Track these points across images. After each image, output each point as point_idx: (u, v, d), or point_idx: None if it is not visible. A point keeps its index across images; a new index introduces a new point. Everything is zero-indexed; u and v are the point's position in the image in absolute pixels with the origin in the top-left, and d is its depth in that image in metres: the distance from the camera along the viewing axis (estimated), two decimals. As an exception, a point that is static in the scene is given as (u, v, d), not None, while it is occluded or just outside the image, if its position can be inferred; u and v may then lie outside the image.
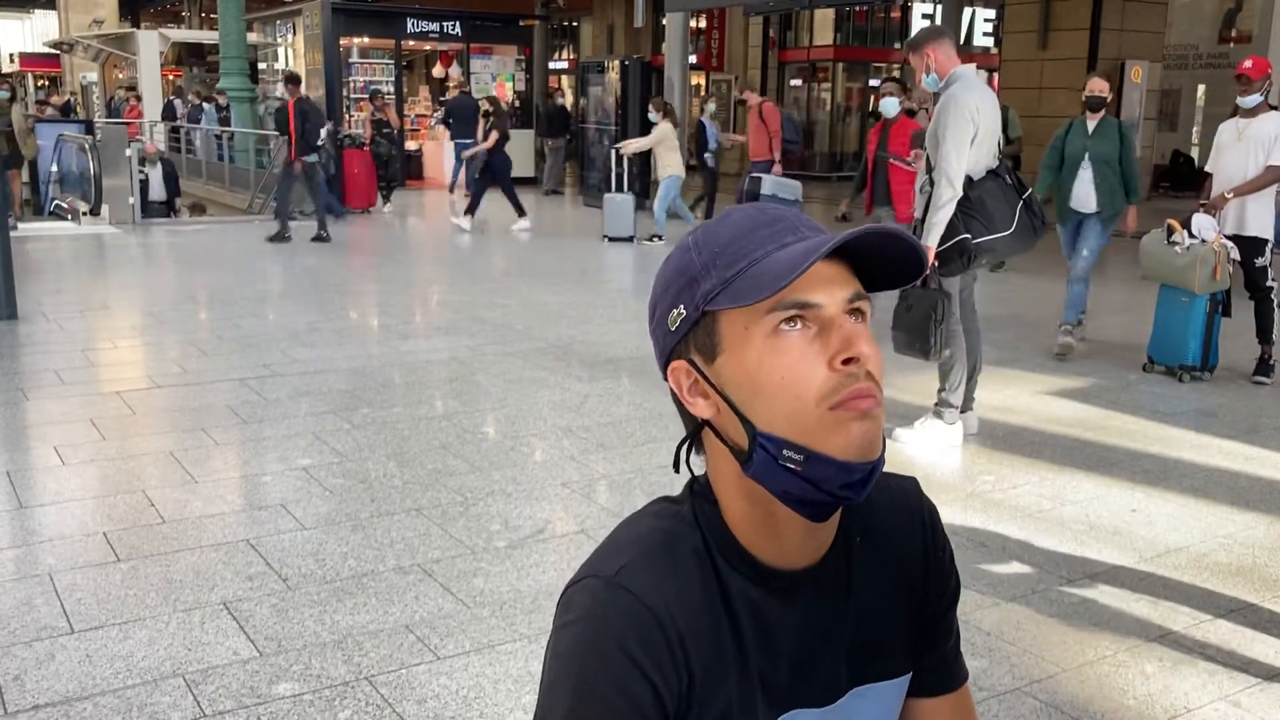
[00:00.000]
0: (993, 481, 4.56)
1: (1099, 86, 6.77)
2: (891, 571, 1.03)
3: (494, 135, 12.76)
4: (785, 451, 0.87)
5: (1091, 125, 6.80)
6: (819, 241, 0.87)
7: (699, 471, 1.00)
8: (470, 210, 12.97)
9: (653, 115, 12.75)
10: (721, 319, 0.90)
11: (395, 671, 2.94)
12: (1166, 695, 2.90)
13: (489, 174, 12.92)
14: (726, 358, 0.90)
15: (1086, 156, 6.76)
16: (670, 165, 12.19)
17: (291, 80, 12.60)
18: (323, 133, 12.15)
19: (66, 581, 3.46)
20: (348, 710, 2.76)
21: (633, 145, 13.06)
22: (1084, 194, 6.82)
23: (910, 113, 14.72)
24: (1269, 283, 6.26)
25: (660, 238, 12.29)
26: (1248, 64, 6.23)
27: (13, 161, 12.25)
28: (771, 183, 11.08)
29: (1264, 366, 6.29)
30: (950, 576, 1.08)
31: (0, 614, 3.23)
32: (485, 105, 13.66)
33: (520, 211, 13.06)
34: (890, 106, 7.45)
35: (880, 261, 0.91)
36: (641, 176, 14.45)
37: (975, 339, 5.16)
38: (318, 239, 11.77)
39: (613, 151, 13.45)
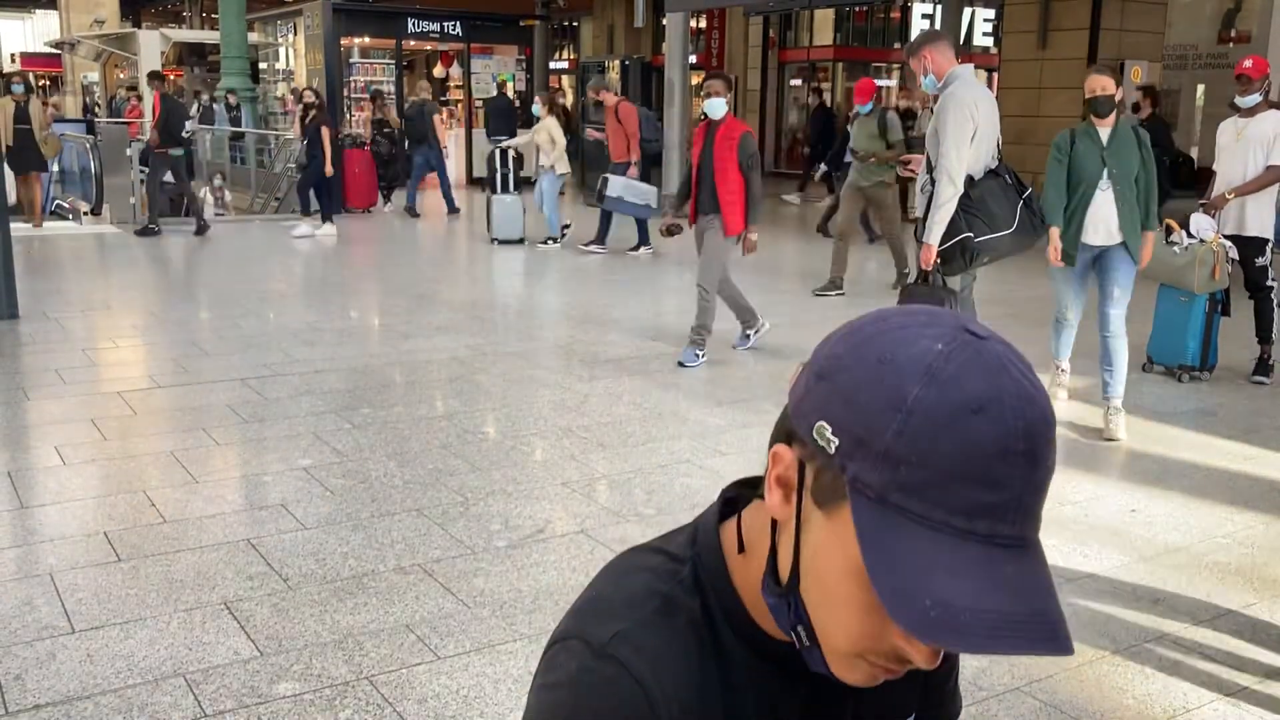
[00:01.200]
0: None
1: (1104, 85, 5.14)
2: None
3: (325, 132, 11.92)
4: (800, 628, 0.80)
5: (1105, 134, 5.20)
6: (976, 617, 0.68)
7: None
8: (325, 215, 12.23)
9: (536, 109, 11.82)
10: (849, 507, 0.73)
11: (395, 671, 2.94)
12: (1166, 695, 2.91)
13: (307, 171, 12.12)
14: (825, 525, 0.75)
15: (1105, 174, 5.20)
16: (555, 164, 11.35)
17: (155, 76, 13.00)
18: (188, 125, 12.28)
19: (67, 581, 3.47)
20: (348, 710, 2.76)
21: (515, 142, 12.37)
22: (1104, 222, 5.18)
23: (912, 113, 14.69)
24: (1269, 282, 6.26)
25: (556, 240, 11.62)
26: (1248, 64, 6.22)
27: (32, 163, 11.99)
28: (621, 185, 10.48)
29: (1263, 366, 6.29)
30: None
31: (1, 614, 3.24)
32: (308, 96, 12.56)
33: (325, 217, 12.21)
34: (716, 107, 6.33)
35: None
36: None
37: None
38: (144, 232, 11.85)
39: (496, 150, 12.57)
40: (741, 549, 0.87)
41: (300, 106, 12.71)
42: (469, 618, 3.26)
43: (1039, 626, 0.70)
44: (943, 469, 0.69)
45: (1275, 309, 6.28)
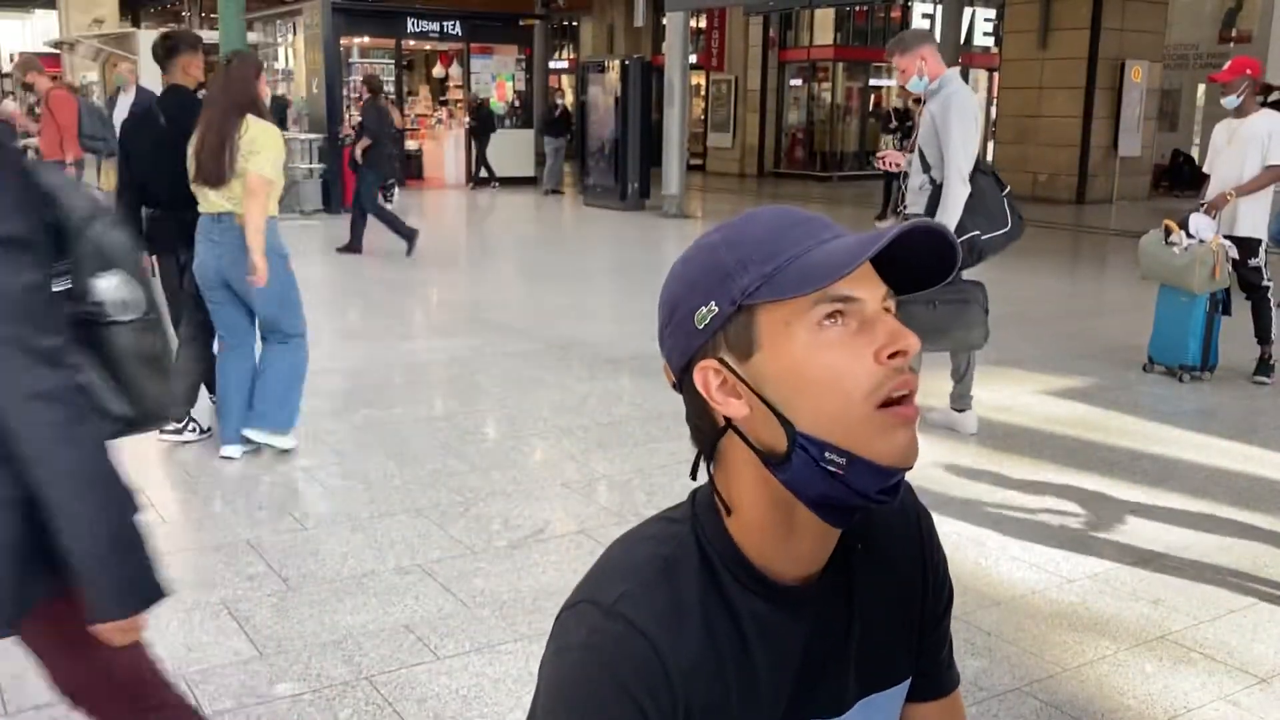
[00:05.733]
0: (993, 481, 4.56)
1: None
2: (891, 578, 1.02)
3: None
4: (827, 454, 0.86)
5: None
6: (867, 238, 0.85)
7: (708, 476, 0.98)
8: None
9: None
10: (760, 315, 0.88)
11: (395, 671, 2.94)
12: (1166, 695, 2.90)
13: None
14: (765, 355, 0.88)
15: None
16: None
17: None
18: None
19: (67, 581, 3.46)
20: (348, 710, 2.76)
21: (31, 141, 10.41)
22: None
23: (905, 114, 14.63)
24: (1265, 282, 6.26)
25: None
26: (1225, 66, 6.30)
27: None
28: None
29: (1264, 366, 6.29)
30: (945, 582, 1.08)
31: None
32: None
33: None
34: None
35: (906, 263, 0.89)
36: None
37: None
38: None
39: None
40: (729, 513, 0.93)
41: None
42: (469, 618, 3.25)
43: (885, 235, 0.84)
44: (772, 239, 0.89)
45: (1274, 308, 6.28)
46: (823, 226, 0.90)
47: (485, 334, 7.29)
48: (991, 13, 22.94)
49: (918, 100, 6.49)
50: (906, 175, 5.21)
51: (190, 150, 4.45)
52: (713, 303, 0.89)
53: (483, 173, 19.00)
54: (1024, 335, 7.41)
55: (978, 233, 4.83)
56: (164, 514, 4.03)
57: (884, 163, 5.71)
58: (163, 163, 4.67)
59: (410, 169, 18.99)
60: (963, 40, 20.54)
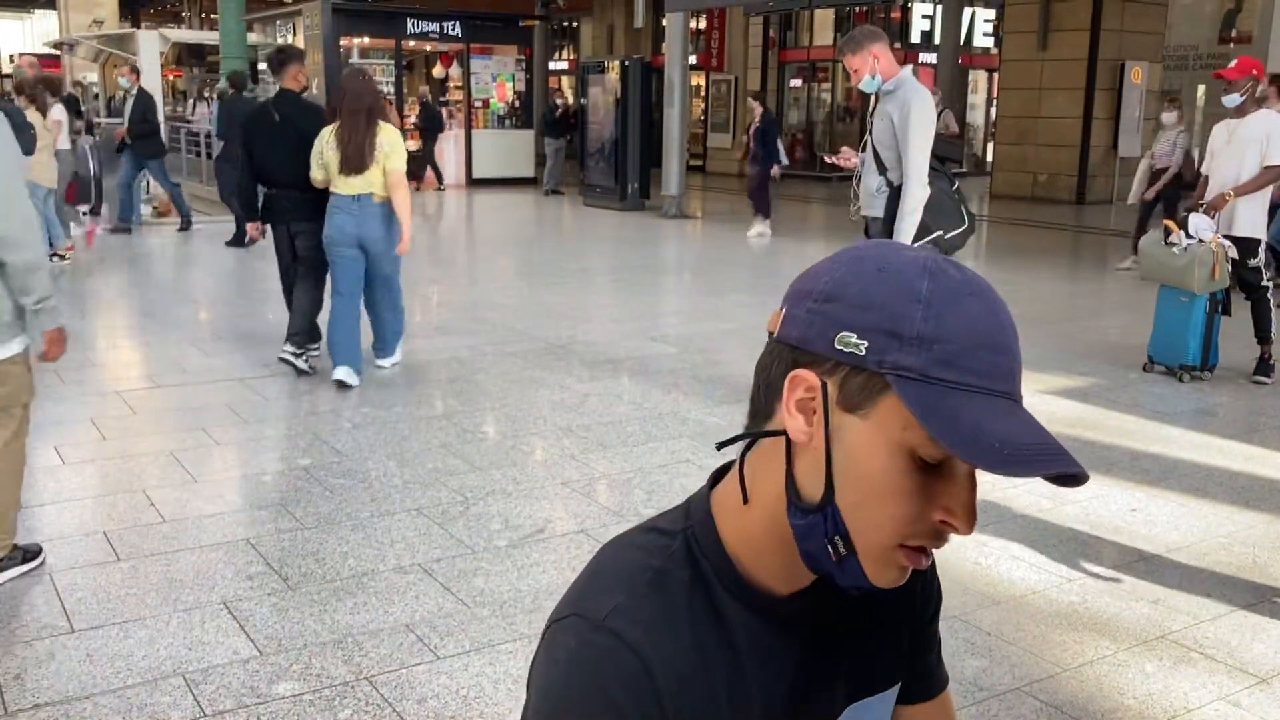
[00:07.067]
0: (993, 481, 4.56)
1: None
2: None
3: None
4: (837, 538, 0.84)
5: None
6: (1031, 449, 0.78)
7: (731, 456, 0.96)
8: None
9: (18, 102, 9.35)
10: (889, 397, 0.80)
11: (395, 671, 2.94)
12: (1166, 695, 2.90)
13: None
14: (860, 427, 0.82)
15: None
16: (38, 171, 9.09)
17: None
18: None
19: (67, 581, 3.46)
20: (348, 710, 2.76)
21: None
22: None
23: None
24: (1264, 282, 6.26)
25: (63, 257, 9.90)
26: (1231, 64, 6.30)
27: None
28: None
29: (1264, 366, 6.29)
30: (932, 585, 1.08)
31: (0, 614, 3.24)
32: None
33: None
34: None
35: None
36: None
37: None
38: None
39: None
40: (745, 500, 0.91)
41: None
42: (469, 618, 3.25)
43: (1064, 454, 0.79)
44: (966, 341, 0.80)
45: (1273, 308, 6.28)
46: (1009, 371, 0.82)
47: (485, 333, 7.29)
48: (991, 13, 22.96)
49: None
50: (859, 175, 5.15)
51: (330, 145, 5.68)
52: (866, 343, 0.80)
53: (446, 172, 18.83)
54: (1023, 335, 7.34)
55: (941, 232, 4.85)
56: (164, 513, 4.03)
57: (833, 157, 5.58)
58: (277, 152, 5.96)
59: (409, 169, 18.96)
60: (962, 40, 20.56)
